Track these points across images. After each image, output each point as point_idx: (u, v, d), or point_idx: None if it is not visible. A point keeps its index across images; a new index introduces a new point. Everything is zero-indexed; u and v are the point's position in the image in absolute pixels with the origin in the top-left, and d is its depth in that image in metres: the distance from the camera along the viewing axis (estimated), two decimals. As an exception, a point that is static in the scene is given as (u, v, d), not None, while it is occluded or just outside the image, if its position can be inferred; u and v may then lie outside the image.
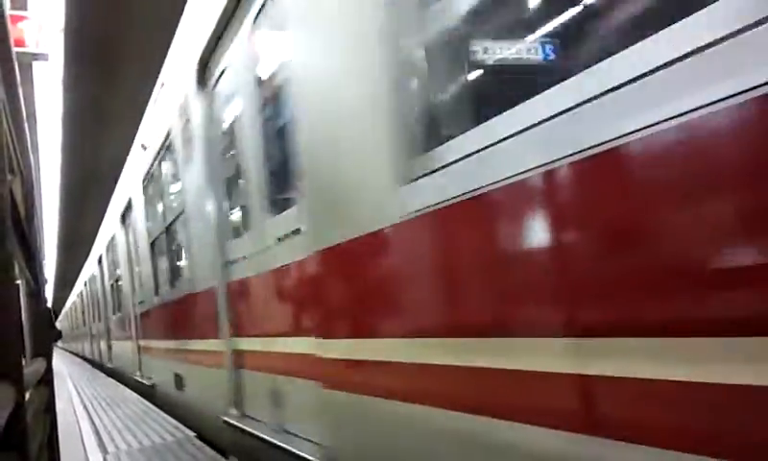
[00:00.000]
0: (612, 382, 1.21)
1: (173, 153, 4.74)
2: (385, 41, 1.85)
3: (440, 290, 1.78)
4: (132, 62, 9.03)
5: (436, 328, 1.76)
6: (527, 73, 1.98)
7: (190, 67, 3.89)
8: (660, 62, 1.09)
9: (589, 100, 1.22)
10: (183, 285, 4.92)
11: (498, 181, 1.45)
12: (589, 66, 1.26)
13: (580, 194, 1.30)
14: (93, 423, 5.75)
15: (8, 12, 1.74)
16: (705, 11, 1.02)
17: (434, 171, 1.69)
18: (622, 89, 1.16)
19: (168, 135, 4.79)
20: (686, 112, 1.04)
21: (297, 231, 2.69)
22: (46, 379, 2.52)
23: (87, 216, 15.78)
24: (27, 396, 1.35)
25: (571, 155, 1.26)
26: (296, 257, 2.69)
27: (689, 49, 1.04)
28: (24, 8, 9.27)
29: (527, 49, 2.03)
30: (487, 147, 1.49)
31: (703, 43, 1.01)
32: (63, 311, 29.49)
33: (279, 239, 2.90)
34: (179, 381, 5.32)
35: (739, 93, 0.96)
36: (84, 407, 7.01)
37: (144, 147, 5.88)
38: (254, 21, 2.99)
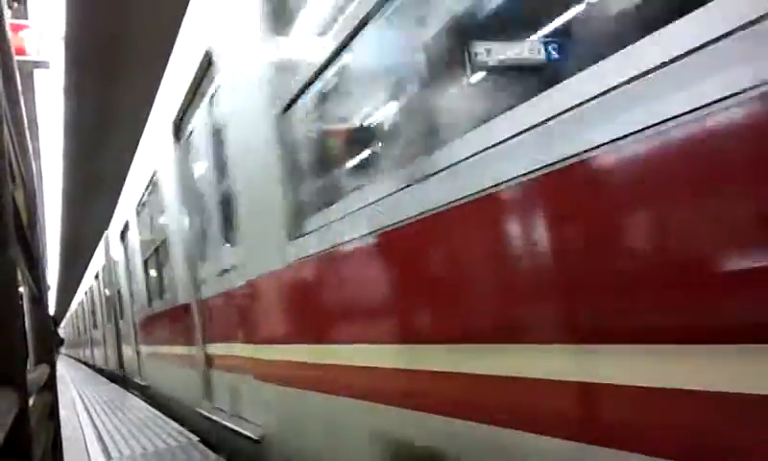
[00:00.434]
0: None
1: (158, 188, 5.68)
2: (276, 147, 2.79)
3: (309, 312, 2.72)
4: (132, 70, 9.05)
5: (309, 338, 2.72)
6: (356, 175, 2.63)
7: (167, 125, 4.89)
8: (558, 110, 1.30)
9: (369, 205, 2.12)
10: (169, 299, 5.78)
11: (327, 249, 2.40)
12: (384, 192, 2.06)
13: (382, 264, 2.14)
14: (96, 428, 5.76)
15: (9, 20, 1.75)
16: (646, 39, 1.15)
17: (302, 235, 2.62)
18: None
19: (154, 174, 5.77)
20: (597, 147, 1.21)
21: (234, 266, 3.71)
22: (49, 385, 2.53)
23: (89, 223, 15.79)
24: (30, 402, 1.36)
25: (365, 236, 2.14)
26: (234, 285, 3.68)
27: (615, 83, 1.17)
28: (25, 17, 9.31)
29: (350, 169, 2.73)
30: (323, 226, 2.43)
31: (650, 67, 1.11)
32: (69, 313, 29.46)
33: (225, 270, 3.91)
34: (168, 381, 6.22)
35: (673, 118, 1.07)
36: (88, 412, 7.02)
37: (139, 177, 6.92)
38: (210, 100, 3.94)
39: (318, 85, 2.55)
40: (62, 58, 8.82)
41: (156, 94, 5.45)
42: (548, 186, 1.34)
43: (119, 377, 11.27)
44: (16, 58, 2.14)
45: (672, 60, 1.07)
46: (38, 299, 2.46)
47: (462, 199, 1.61)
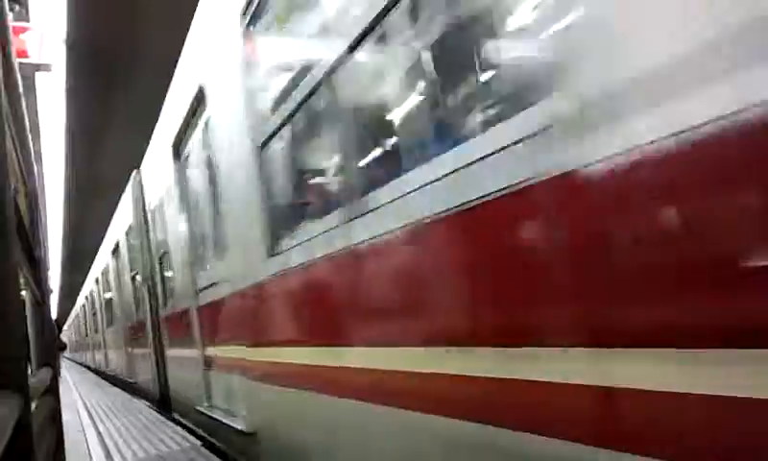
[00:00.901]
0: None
1: (161, 204, 6.16)
2: (257, 176, 3.19)
3: (283, 319, 3.20)
4: (134, 73, 9.07)
5: (287, 341, 3.10)
6: (313, 208, 3.12)
7: (167, 147, 5.36)
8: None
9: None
10: (175, 303, 6.02)
11: (292, 268, 2.82)
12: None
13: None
14: (99, 432, 5.75)
15: (10, 23, 1.74)
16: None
17: (278, 253, 3.00)
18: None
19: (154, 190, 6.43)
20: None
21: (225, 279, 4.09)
22: (52, 389, 2.52)
23: (92, 226, 15.81)
24: (33, 406, 1.35)
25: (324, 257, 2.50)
26: (226, 294, 4.02)
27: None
28: (26, 19, 9.32)
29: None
30: (290, 248, 2.84)
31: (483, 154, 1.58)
32: (74, 314, 29.42)
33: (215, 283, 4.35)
34: (171, 383, 6.59)
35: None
36: (90, 416, 7.02)
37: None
38: (204, 128, 4.35)
39: (289, 127, 2.96)
40: (64, 60, 8.84)
41: (158, 97, 5.48)
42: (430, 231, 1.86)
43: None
44: (18, 60, 2.14)
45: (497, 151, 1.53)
46: (41, 302, 2.45)
47: (380, 235, 2.09)
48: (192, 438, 4.79)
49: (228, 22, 3.36)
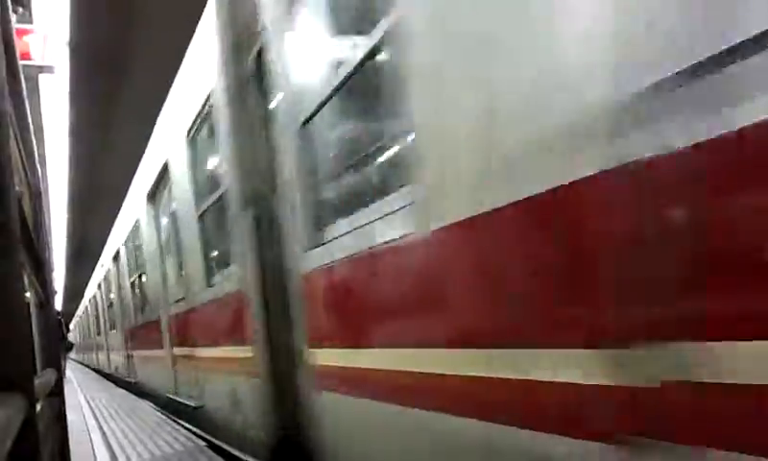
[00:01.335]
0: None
1: (138, 232, 8.01)
2: (198, 234, 4.90)
3: (220, 329, 4.59)
4: (137, 74, 9.08)
5: (223, 343, 4.52)
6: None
7: (143, 195, 7.16)
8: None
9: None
10: (148, 313, 7.84)
11: (219, 296, 4.47)
12: None
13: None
14: (104, 433, 5.77)
15: (14, 25, 1.74)
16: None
17: (211, 285, 4.83)
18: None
19: (137, 221, 7.93)
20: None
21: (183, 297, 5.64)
22: (57, 390, 2.52)
23: (95, 228, 15.84)
24: (38, 407, 1.35)
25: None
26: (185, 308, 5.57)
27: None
28: (29, 21, 9.34)
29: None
30: (218, 282, 4.65)
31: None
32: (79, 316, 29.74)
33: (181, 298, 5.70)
34: (152, 376, 8.25)
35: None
36: (95, 417, 7.03)
37: (125, 221, 9.33)
38: (168, 191, 5.97)
39: (212, 208, 4.44)
40: (67, 63, 8.85)
41: (161, 99, 5.53)
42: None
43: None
44: (21, 62, 2.14)
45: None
46: (45, 303, 2.45)
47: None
48: (197, 439, 4.79)
49: (180, 136, 4.96)
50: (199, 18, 4.20)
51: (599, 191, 1.30)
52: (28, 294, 2.10)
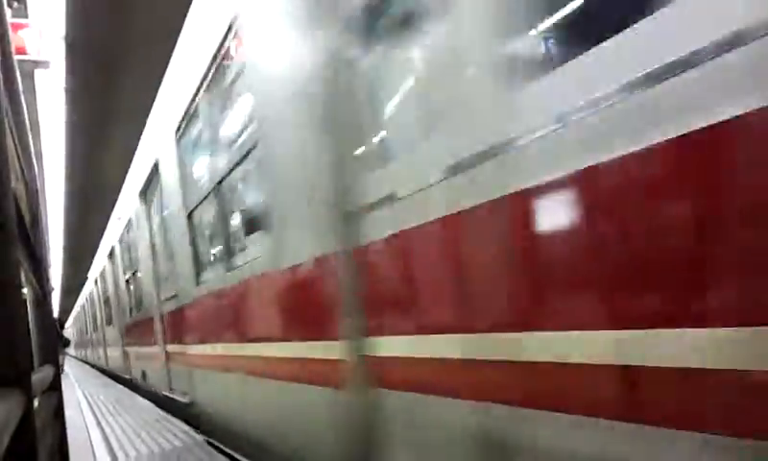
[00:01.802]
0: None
1: (130, 229, 8.42)
2: (187, 233, 4.91)
3: (202, 325, 4.87)
4: (133, 69, 9.04)
5: (206, 341, 4.69)
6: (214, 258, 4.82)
7: (136, 193, 7.26)
8: None
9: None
10: (144, 309, 7.88)
11: (205, 294, 4.61)
12: None
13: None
14: (102, 429, 5.77)
15: (9, 19, 1.73)
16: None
17: (200, 283, 4.80)
18: None
19: (129, 220, 8.25)
20: None
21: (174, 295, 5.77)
22: (54, 386, 2.52)
23: (92, 223, 15.81)
24: (36, 403, 1.35)
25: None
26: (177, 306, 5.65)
27: None
28: (25, 16, 9.29)
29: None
30: (203, 282, 4.77)
31: None
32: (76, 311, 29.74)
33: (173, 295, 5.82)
34: (144, 375, 8.38)
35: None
36: (93, 414, 7.03)
37: (119, 218, 9.59)
38: (160, 189, 6.04)
39: (201, 207, 4.60)
40: (63, 58, 8.81)
41: (157, 94, 5.50)
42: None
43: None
44: (17, 57, 2.13)
45: None
46: (42, 299, 2.44)
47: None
48: (197, 435, 4.79)
49: (168, 135, 5.10)
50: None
51: None
52: (25, 290, 2.09)
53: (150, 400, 7.68)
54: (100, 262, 13.22)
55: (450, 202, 1.74)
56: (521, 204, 1.50)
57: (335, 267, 2.36)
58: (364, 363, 2.27)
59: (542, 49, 1.61)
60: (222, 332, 4.15)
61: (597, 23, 1.41)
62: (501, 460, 1.63)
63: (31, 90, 9.99)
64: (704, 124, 1.10)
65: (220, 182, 3.98)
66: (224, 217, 4.18)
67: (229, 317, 3.94)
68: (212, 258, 4.66)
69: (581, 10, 1.52)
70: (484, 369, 1.66)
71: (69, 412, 4.30)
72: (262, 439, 3.47)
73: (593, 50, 1.31)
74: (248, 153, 3.38)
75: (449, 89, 1.75)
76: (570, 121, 1.35)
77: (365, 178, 2.19)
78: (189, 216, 4.78)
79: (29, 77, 9.54)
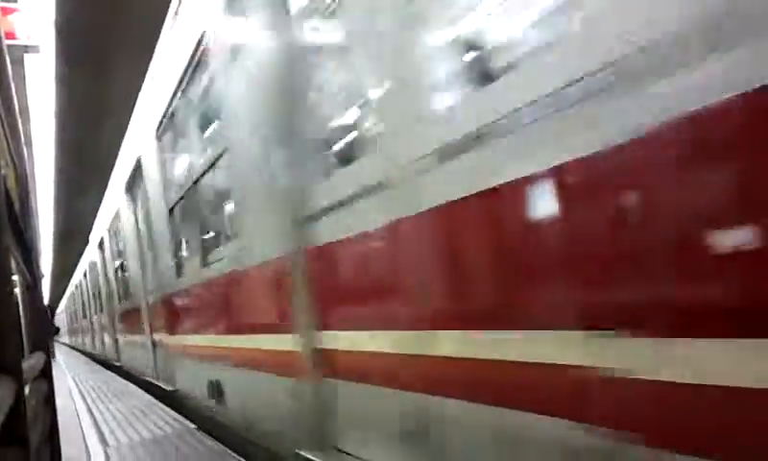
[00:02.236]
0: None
1: (118, 220, 8.50)
2: (168, 228, 5.12)
3: (184, 316, 5.11)
4: (124, 54, 8.95)
5: (195, 331, 4.74)
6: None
7: (121, 186, 7.56)
8: None
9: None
10: (132, 299, 8.08)
11: (187, 286, 4.83)
12: None
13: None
14: (93, 416, 5.77)
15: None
16: None
17: (181, 276, 5.04)
18: None
19: (117, 212, 8.46)
20: None
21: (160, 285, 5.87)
22: (45, 373, 2.52)
23: (82, 210, 15.71)
24: (26, 390, 1.35)
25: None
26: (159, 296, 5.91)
27: None
28: (14, 0, 9.18)
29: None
30: (185, 275, 4.98)
31: None
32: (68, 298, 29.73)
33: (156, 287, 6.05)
34: (133, 362, 8.69)
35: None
36: (84, 400, 7.03)
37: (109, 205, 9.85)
38: (143, 184, 6.13)
39: (181, 204, 4.75)
40: (53, 43, 8.71)
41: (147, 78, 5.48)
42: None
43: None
44: (6, 42, 2.11)
45: None
46: (32, 286, 2.44)
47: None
48: (187, 422, 4.81)
49: (150, 133, 5.28)
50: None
51: None
52: (15, 277, 2.09)
53: (141, 386, 7.72)
54: (91, 251, 13.47)
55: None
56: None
57: (290, 267, 2.66)
58: (316, 355, 2.54)
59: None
60: (199, 324, 4.51)
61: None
62: (420, 435, 1.94)
63: (20, 76, 9.88)
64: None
65: (195, 183, 4.26)
66: (199, 215, 4.55)
67: (205, 310, 4.28)
68: (190, 254, 4.94)
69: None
70: (407, 362, 1.93)
71: (60, 399, 4.29)
72: (234, 423, 3.82)
73: None
74: (215, 161, 3.78)
75: None
76: None
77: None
78: (170, 212, 5.02)
79: (18, 62, 9.44)
